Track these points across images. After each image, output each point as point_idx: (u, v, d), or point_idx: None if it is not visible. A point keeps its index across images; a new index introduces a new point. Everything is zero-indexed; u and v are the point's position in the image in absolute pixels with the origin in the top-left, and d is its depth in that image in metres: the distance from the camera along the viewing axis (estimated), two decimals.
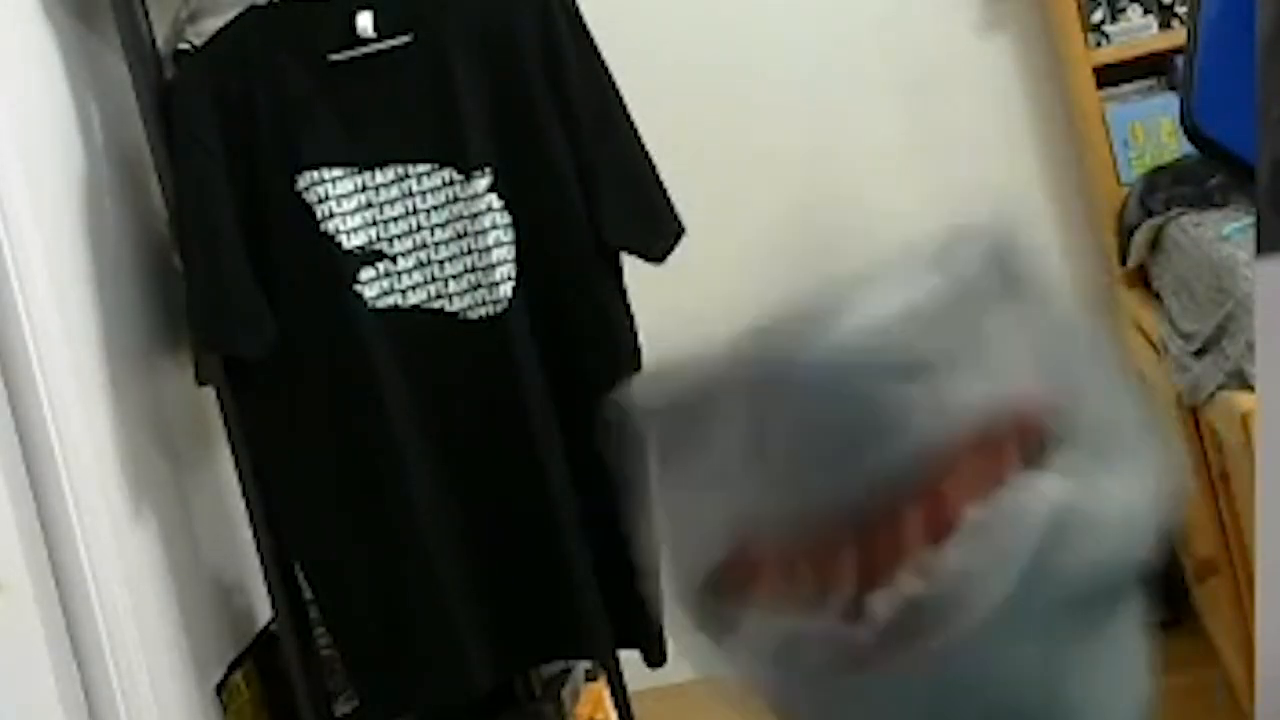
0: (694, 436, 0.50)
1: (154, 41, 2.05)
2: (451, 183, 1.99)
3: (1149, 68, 2.75)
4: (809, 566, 0.44)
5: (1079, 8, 2.77)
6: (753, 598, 0.46)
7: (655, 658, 2.10)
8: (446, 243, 1.99)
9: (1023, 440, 0.45)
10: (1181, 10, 2.76)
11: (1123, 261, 2.68)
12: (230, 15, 2.03)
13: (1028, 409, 0.45)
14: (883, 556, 0.43)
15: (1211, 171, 2.39)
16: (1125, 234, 2.64)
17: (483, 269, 1.99)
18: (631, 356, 2.04)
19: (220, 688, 2.08)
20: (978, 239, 0.50)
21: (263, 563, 2.06)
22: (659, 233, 2.05)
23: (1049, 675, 0.41)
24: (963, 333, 0.48)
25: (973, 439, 0.43)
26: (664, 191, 2.06)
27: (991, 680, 0.41)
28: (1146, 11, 2.77)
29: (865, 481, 0.43)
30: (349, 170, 1.98)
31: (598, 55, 2.04)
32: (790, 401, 0.44)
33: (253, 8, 2.02)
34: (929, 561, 0.42)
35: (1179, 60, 2.65)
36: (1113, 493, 0.44)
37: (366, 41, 1.98)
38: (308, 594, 2.08)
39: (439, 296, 2.00)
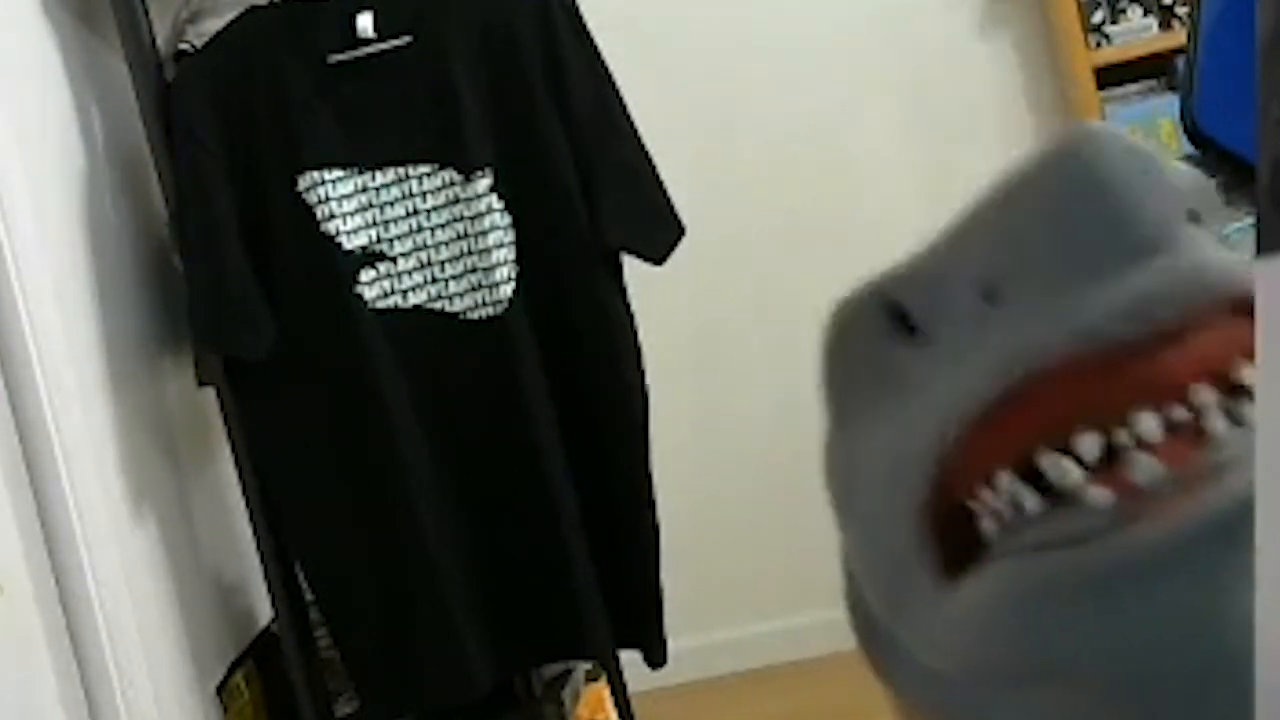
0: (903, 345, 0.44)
1: (154, 42, 2.05)
2: (452, 183, 1.99)
3: (1149, 68, 2.75)
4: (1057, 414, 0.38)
5: (1079, 8, 2.77)
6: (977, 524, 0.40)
7: (656, 658, 2.10)
8: (447, 243, 1.99)
9: None
10: (1182, 11, 2.76)
11: None
12: (230, 16, 2.03)
13: None
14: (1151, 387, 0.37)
15: (1211, 171, 2.38)
16: None
17: (483, 269, 1.99)
18: (632, 357, 2.04)
19: (221, 688, 2.08)
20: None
21: (263, 563, 2.06)
22: (659, 233, 2.05)
23: (1246, 621, 0.35)
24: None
25: (1228, 311, 0.38)
26: (664, 191, 2.06)
27: (1237, 618, 0.35)
28: (1147, 12, 2.77)
29: (1127, 299, 0.37)
30: (349, 171, 1.98)
31: (598, 55, 2.04)
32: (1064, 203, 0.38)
33: (253, 8, 2.02)
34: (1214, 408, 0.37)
35: (1179, 61, 2.65)
36: None
37: (367, 42, 1.98)
38: (308, 594, 2.08)
39: (440, 297, 2.00)
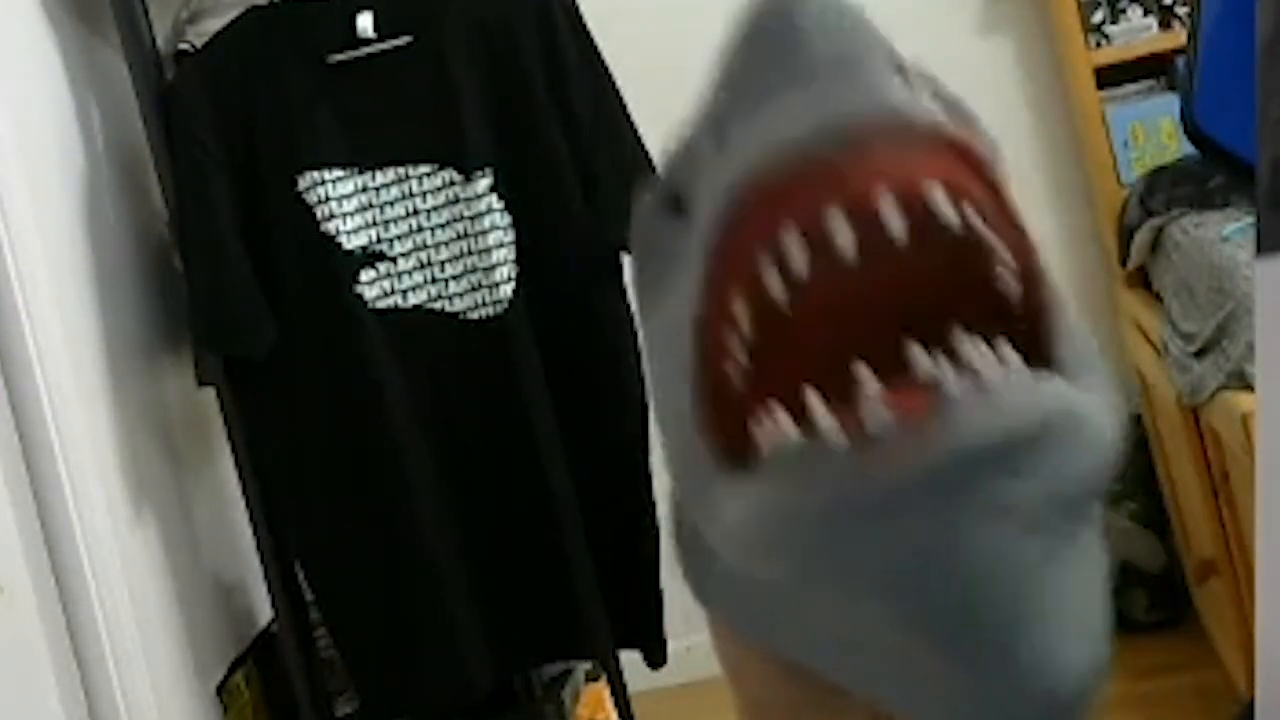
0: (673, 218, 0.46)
1: (154, 42, 2.05)
2: (452, 183, 1.99)
3: (1149, 68, 2.75)
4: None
5: (1079, 8, 2.77)
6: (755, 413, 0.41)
7: (656, 658, 2.10)
8: (447, 243, 1.99)
9: (1030, 318, 0.42)
10: (1182, 11, 2.76)
11: (1123, 262, 2.68)
12: (230, 16, 2.03)
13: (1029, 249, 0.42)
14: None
15: (1211, 172, 2.39)
16: (1126, 235, 2.65)
17: (483, 269, 1.99)
18: (632, 356, 2.04)
19: (221, 688, 2.08)
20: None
21: (263, 563, 2.06)
22: None
23: (1023, 568, 0.38)
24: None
25: (928, 147, 0.40)
26: None
27: (971, 548, 0.37)
28: (1147, 12, 2.77)
29: (817, 114, 0.39)
30: (349, 171, 1.98)
31: (598, 55, 2.04)
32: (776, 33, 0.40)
33: (253, 8, 2.02)
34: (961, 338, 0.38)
35: (1179, 61, 2.65)
36: (1092, 402, 0.42)
37: (367, 42, 1.98)
38: (308, 594, 2.09)
39: (440, 297, 2.00)
